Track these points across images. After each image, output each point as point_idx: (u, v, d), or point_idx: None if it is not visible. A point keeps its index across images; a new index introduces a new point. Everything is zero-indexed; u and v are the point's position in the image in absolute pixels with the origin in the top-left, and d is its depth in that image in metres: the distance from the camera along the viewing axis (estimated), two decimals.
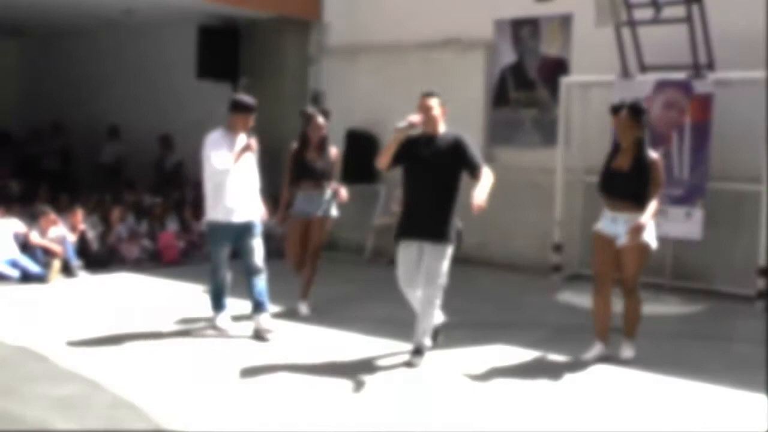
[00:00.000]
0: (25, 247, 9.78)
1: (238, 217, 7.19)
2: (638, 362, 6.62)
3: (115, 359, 6.49)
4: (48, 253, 9.78)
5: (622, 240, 6.48)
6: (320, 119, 8.04)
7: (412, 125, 6.39)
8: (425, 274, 6.41)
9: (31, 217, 10.24)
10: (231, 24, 13.61)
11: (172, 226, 11.73)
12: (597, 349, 6.67)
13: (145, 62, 15.27)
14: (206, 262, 10.92)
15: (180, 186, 13.90)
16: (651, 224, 6.50)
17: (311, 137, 8.05)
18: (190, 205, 12.65)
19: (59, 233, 10.05)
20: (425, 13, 12.08)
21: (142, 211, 12.11)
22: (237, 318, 7.60)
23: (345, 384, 5.96)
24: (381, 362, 6.54)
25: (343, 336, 7.36)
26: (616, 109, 6.65)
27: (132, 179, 14.18)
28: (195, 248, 11.70)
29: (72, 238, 10.24)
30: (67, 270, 9.84)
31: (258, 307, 7.32)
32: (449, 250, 6.46)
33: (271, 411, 5.38)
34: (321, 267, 8.27)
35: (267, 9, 12.77)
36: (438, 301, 6.48)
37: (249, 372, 6.21)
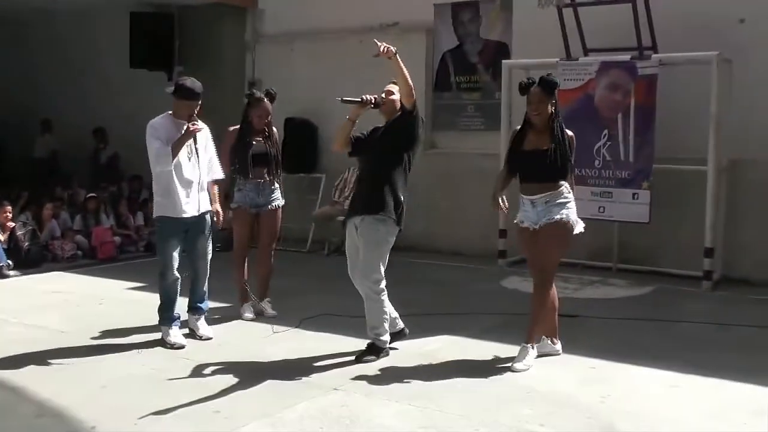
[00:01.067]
0: None
1: (188, 212, 6.63)
2: (589, 347, 6.47)
3: (43, 365, 6.15)
4: None
5: (543, 221, 5.94)
6: (267, 104, 7.46)
7: (364, 102, 6.15)
8: (360, 266, 6.16)
9: None
10: (165, 10, 13.24)
11: (107, 221, 11.35)
12: (546, 344, 6.29)
13: (77, 52, 14.81)
14: (143, 257, 10.80)
15: (116, 179, 13.52)
16: (572, 204, 6.03)
17: (255, 123, 7.43)
18: (126, 199, 12.31)
19: None
20: None
21: (76, 207, 11.72)
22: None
23: (288, 383, 5.74)
24: (327, 358, 6.32)
25: (285, 333, 7.11)
26: (525, 87, 6.07)
27: (66, 174, 13.75)
28: (131, 243, 11.37)
29: (1, 236, 9.83)
30: None
31: (197, 310, 6.99)
32: (383, 231, 6.09)
33: (210, 415, 5.12)
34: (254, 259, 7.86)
35: None
36: (382, 296, 6.18)
37: (190, 374, 5.95)
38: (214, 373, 5.94)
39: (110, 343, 6.75)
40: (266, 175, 7.43)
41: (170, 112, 6.66)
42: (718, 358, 6.31)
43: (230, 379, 5.78)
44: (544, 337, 6.29)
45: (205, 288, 7.00)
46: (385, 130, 6.29)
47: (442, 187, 11.26)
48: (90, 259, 10.68)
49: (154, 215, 6.78)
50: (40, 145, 14.91)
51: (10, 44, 15.80)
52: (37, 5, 13.42)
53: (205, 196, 6.79)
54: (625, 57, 9.25)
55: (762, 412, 5.20)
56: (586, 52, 9.67)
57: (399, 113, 6.24)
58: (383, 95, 6.29)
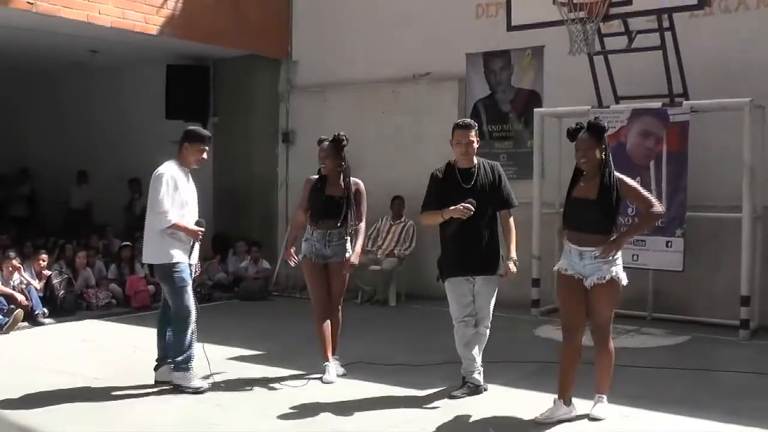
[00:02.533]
0: None
1: (193, 259, 6.80)
2: (626, 396, 6.37)
3: (75, 411, 6.17)
4: (12, 301, 9.43)
5: (593, 278, 5.78)
6: (328, 146, 7.02)
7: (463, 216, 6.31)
8: (483, 309, 6.51)
9: None
10: (200, 63, 13.46)
11: (141, 269, 11.42)
12: (557, 409, 5.94)
13: (114, 103, 15.02)
14: None
15: None
16: (619, 259, 5.87)
17: (320, 166, 7.09)
18: None
19: (23, 280, 9.73)
20: (396, 48, 11.96)
21: (111, 256, 11.82)
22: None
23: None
24: (361, 406, 6.28)
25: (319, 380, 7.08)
26: (574, 132, 5.92)
27: (102, 224, 13.90)
28: None
29: (37, 285, 9.93)
30: (31, 318, 9.50)
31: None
32: (497, 285, 6.57)
33: None
34: (286, 309, 7.80)
35: (236, 47, 12.62)
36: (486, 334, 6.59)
37: (222, 420, 5.95)
38: (248, 419, 5.92)
39: (143, 390, 6.75)
40: (336, 226, 7.02)
41: (173, 161, 6.80)
42: (759, 407, 6.21)
43: (261, 426, 5.77)
44: (555, 399, 6.00)
45: None
46: (483, 181, 6.46)
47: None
48: (124, 308, 10.75)
49: (171, 261, 6.61)
50: (75, 196, 15.10)
51: (44, 97, 16.07)
52: (76, 59, 13.67)
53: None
54: (657, 104, 9.25)
55: None
56: (618, 99, 9.68)
57: (493, 174, 6.51)
58: (464, 148, 6.43)
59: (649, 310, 9.79)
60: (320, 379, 6.92)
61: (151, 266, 7.24)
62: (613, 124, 9.42)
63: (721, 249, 9.36)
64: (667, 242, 9.07)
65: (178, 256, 6.65)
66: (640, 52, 9.14)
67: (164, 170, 6.67)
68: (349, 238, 7.12)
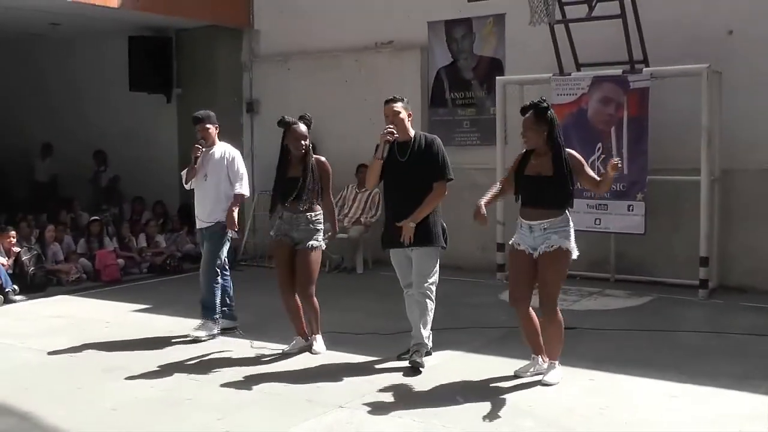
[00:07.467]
0: None
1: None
2: (588, 359, 6.61)
3: (52, 389, 6.27)
4: None
5: (542, 248, 5.92)
6: (301, 128, 6.95)
7: (388, 142, 6.38)
8: (417, 276, 6.52)
9: None
10: (162, 34, 13.40)
11: (110, 243, 11.44)
12: (535, 363, 6.27)
13: (77, 76, 14.90)
14: (146, 278, 11.00)
15: (117, 202, 13.65)
16: (572, 233, 6.00)
17: (293, 149, 6.95)
18: (128, 221, 12.43)
19: None
20: (358, 16, 11.98)
21: (80, 230, 11.82)
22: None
23: (295, 401, 5.86)
24: (332, 376, 6.44)
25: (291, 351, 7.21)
26: (523, 110, 6.06)
27: (68, 197, 13.87)
28: (134, 265, 11.47)
29: (6, 261, 9.93)
30: (2, 295, 9.49)
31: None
32: (436, 256, 6.58)
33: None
34: (255, 278, 7.91)
35: (198, 18, 12.58)
36: (431, 303, 6.59)
37: (198, 394, 6.07)
38: (222, 392, 6.04)
39: (118, 365, 6.84)
40: (300, 208, 6.97)
41: None
42: (714, 366, 6.46)
43: (238, 399, 5.90)
44: (533, 355, 6.32)
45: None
46: (418, 154, 6.48)
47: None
48: (94, 282, 10.78)
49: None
50: (40, 169, 15.02)
51: (5, 70, 15.87)
52: (36, 32, 13.55)
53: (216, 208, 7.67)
54: (617, 71, 9.40)
55: (757, 416, 5.38)
56: (579, 67, 9.82)
57: (429, 147, 6.50)
58: (391, 121, 6.47)
59: (612, 272, 10.02)
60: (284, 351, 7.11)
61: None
62: (574, 92, 9.59)
63: (681, 211, 9.58)
64: (629, 206, 9.28)
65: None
66: (600, 20, 9.26)
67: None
68: (315, 218, 7.07)
